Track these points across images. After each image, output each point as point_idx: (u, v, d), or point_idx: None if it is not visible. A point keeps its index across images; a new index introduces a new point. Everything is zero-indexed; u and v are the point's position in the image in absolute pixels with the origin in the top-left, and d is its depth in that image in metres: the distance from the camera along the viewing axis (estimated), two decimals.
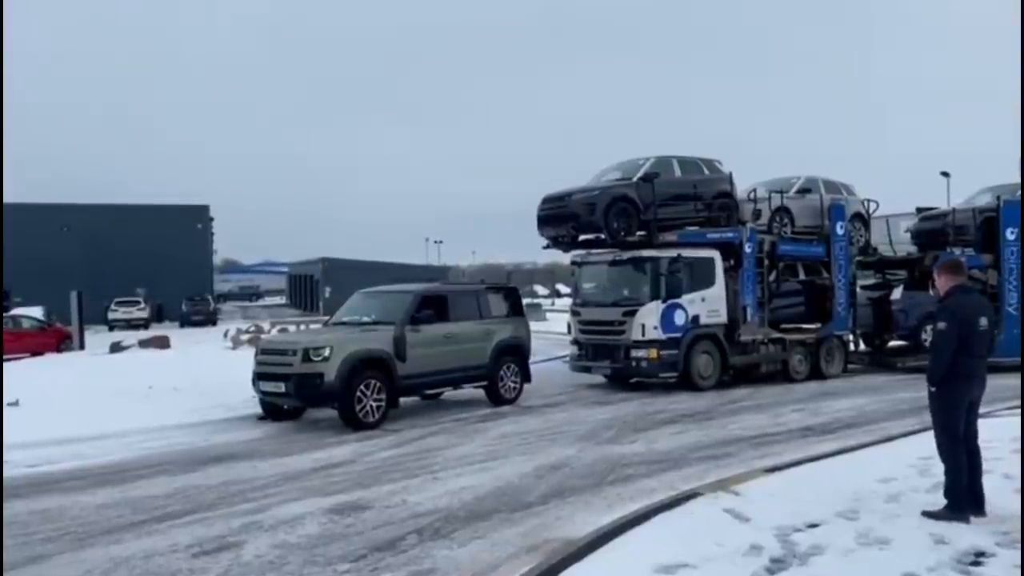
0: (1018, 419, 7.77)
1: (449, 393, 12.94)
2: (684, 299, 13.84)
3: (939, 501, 5.72)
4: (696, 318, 14.00)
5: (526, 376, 13.28)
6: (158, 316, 45.23)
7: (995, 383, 6.02)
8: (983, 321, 5.68)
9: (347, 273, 47.22)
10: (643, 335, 13.65)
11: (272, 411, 11.67)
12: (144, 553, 5.71)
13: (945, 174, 37.03)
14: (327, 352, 10.65)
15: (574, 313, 15.26)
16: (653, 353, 13.59)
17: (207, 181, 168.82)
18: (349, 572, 5.26)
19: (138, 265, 46.71)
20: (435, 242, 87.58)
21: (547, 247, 15.54)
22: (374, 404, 10.81)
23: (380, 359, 11.07)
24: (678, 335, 13.78)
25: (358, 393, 10.64)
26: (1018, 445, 6.79)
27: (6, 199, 34.79)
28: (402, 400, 11.78)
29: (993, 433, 7.06)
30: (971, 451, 5.70)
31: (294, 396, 10.86)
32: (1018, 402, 9.04)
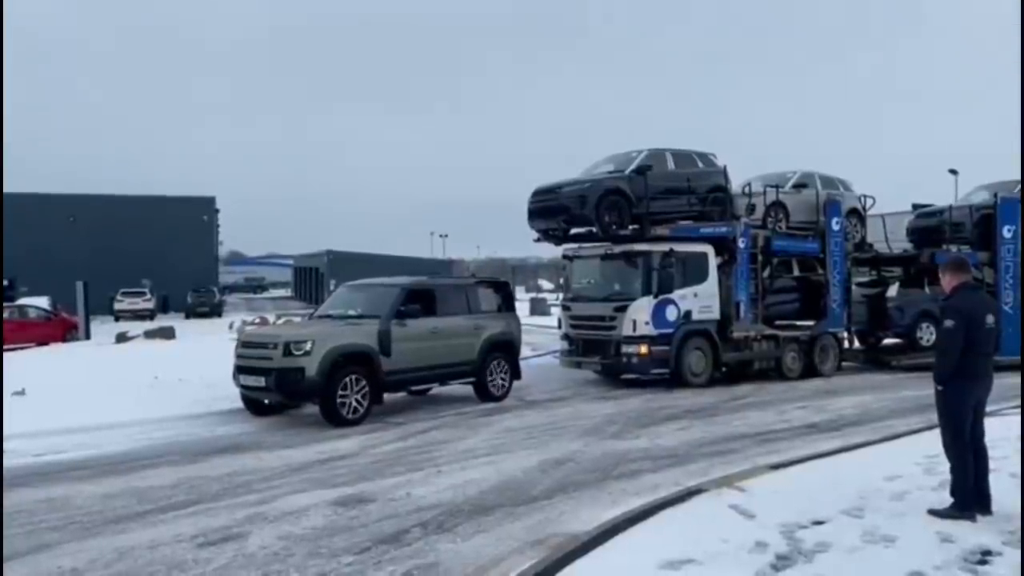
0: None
1: (450, 388, 12.79)
2: (676, 295, 13.71)
3: (945, 499, 5.71)
4: (688, 314, 13.87)
5: (516, 373, 13.05)
6: (163, 307, 45.30)
7: (1000, 382, 5.99)
8: (990, 319, 5.66)
9: (352, 266, 47.18)
10: (634, 331, 13.48)
11: (253, 406, 11.39)
12: (149, 543, 5.73)
13: (953, 172, 36.84)
14: (308, 346, 10.38)
15: (565, 308, 15.10)
16: (644, 349, 13.45)
17: (213, 173, 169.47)
18: (353, 564, 5.27)
19: (144, 256, 46.82)
20: (440, 236, 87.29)
21: (538, 240, 15.32)
22: (357, 400, 10.60)
23: (364, 354, 10.81)
24: (670, 331, 13.65)
25: (340, 389, 10.42)
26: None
27: (13, 189, 34.94)
28: (401, 395, 11.66)
29: (999, 432, 7.05)
30: (978, 450, 5.69)
31: (274, 391, 10.59)
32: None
